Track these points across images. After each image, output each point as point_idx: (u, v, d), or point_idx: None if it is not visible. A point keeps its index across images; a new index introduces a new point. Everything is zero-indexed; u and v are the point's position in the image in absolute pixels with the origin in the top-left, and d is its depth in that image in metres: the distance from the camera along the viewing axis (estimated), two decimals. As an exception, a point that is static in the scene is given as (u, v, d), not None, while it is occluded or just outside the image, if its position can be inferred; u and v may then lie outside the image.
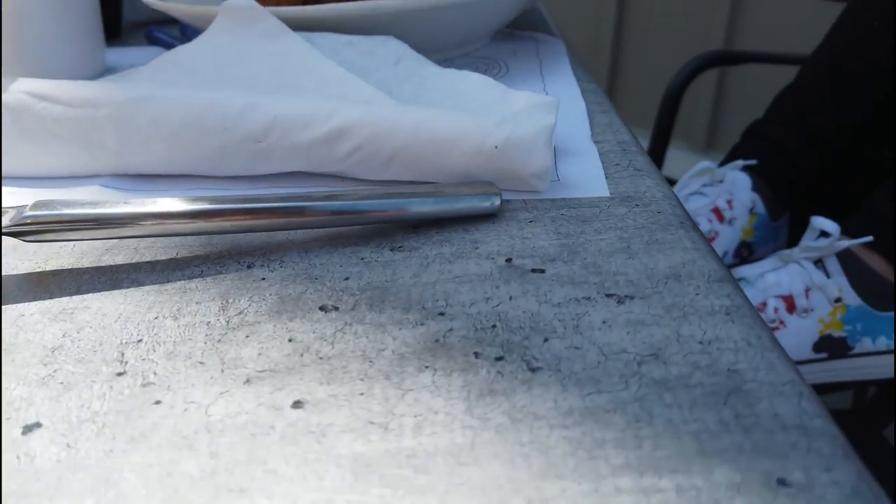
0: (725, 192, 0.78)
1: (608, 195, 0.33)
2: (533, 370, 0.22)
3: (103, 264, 0.30)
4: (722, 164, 0.85)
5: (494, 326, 0.24)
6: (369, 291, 0.27)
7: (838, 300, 0.69)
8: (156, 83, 0.40)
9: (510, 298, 0.25)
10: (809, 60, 0.85)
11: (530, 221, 0.31)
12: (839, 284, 0.69)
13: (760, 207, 0.80)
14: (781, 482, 0.17)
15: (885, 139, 0.82)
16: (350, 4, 0.47)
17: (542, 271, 0.27)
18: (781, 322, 0.70)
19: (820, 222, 0.70)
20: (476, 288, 0.26)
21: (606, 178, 0.34)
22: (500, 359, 0.22)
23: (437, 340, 0.24)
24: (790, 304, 0.70)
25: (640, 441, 0.19)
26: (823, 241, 0.70)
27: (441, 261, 0.28)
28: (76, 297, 0.27)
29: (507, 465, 0.19)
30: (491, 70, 0.52)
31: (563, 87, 0.46)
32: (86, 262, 0.30)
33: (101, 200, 0.29)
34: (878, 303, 0.70)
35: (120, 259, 0.30)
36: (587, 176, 0.34)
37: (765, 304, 0.70)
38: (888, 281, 0.70)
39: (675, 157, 1.83)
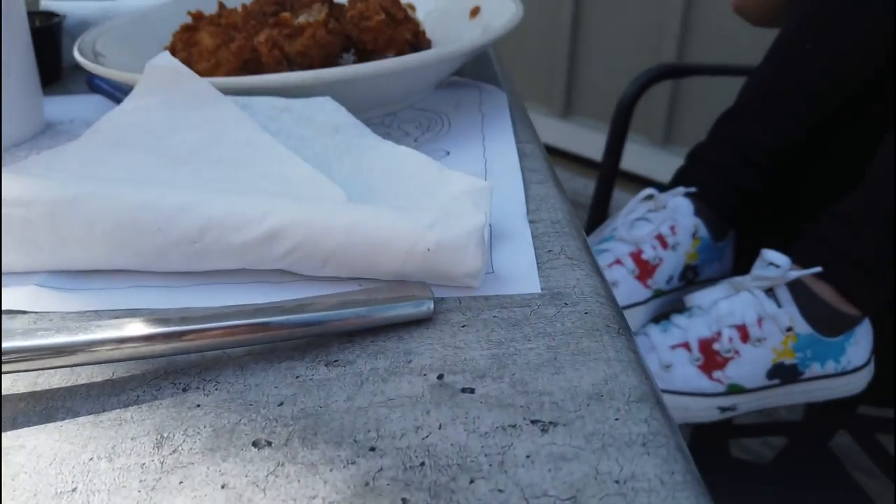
0: (668, 218, 0.80)
1: (539, 291, 0.33)
2: (457, 518, 0.23)
3: (38, 388, 0.30)
4: (668, 187, 0.87)
5: (423, 464, 0.25)
6: (303, 420, 0.27)
7: (790, 329, 0.72)
8: (87, 174, 0.40)
9: (440, 427, 0.26)
10: (747, 83, 0.87)
11: (463, 326, 0.32)
12: (790, 314, 0.71)
13: (703, 231, 0.82)
14: None
15: (821, 161, 0.84)
16: (289, 75, 0.46)
17: (472, 391, 0.28)
18: (736, 352, 0.72)
19: (770, 255, 0.72)
20: (407, 414, 0.27)
21: (538, 268, 0.35)
22: (426, 505, 0.23)
23: (366, 484, 0.24)
24: (744, 333, 0.72)
25: None
26: (774, 271, 0.72)
27: (375, 378, 0.29)
28: (11, 434, 0.27)
29: None
30: (433, 126, 0.53)
31: (503, 154, 0.47)
32: (21, 387, 0.30)
33: (34, 328, 0.29)
34: (826, 329, 0.73)
35: (56, 381, 0.30)
36: (520, 268, 0.35)
37: (720, 334, 0.72)
38: (835, 308, 0.72)
39: (635, 151, 1.86)
